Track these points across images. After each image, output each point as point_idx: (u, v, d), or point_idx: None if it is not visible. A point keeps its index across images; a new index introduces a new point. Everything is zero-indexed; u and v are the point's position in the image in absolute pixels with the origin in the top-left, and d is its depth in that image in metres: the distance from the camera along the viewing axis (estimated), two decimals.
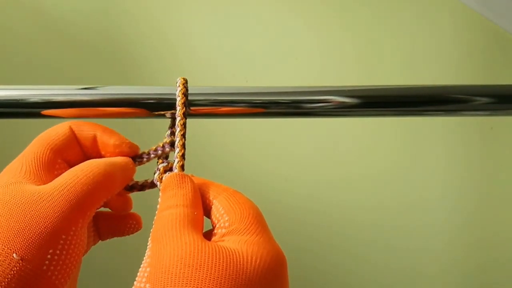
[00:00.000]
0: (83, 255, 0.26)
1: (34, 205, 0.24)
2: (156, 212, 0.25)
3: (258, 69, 0.87)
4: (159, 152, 0.31)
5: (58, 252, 0.23)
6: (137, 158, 0.31)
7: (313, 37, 0.87)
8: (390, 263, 0.93)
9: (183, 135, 0.31)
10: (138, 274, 0.22)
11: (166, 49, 0.86)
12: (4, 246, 0.22)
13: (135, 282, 0.21)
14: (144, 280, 0.21)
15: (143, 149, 0.32)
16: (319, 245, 0.93)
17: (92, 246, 0.31)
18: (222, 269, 0.20)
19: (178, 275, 0.20)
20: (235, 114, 0.34)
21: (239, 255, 0.21)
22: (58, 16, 0.85)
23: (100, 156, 0.30)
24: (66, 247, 0.23)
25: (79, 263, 0.25)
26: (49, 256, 0.23)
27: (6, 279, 0.21)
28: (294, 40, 0.86)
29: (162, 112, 0.33)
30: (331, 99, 0.34)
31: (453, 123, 0.88)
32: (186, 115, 0.32)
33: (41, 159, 0.27)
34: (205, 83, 0.86)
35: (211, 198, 0.26)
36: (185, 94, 0.32)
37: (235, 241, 0.23)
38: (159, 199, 0.26)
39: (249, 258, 0.21)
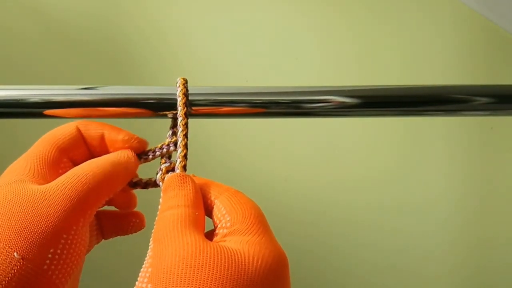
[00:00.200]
0: (86, 254, 0.26)
1: (35, 204, 0.24)
2: (158, 212, 0.25)
3: (258, 69, 0.87)
4: (164, 150, 0.31)
5: (59, 251, 0.23)
6: (143, 155, 0.31)
7: (313, 37, 0.87)
8: (390, 264, 0.93)
9: (185, 135, 0.31)
10: (140, 274, 0.22)
11: (166, 49, 0.86)
12: (5, 245, 0.22)
13: (136, 283, 0.21)
14: (145, 280, 0.21)
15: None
16: (319, 246, 0.93)
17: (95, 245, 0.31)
18: (224, 270, 0.20)
19: (179, 275, 0.20)
20: (235, 114, 0.34)
21: (241, 255, 0.21)
22: (58, 16, 0.85)
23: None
24: (67, 246, 0.23)
25: (80, 262, 0.25)
26: (50, 256, 0.23)
27: (7, 278, 0.21)
28: (294, 40, 0.86)
29: (164, 112, 0.33)
30: (331, 99, 0.34)
31: (453, 123, 0.88)
32: (187, 115, 0.32)
33: (46, 158, 0.27)
34: (205, 83, 0.86)
35: (212, 198, 0.26)
36: (186, 94, 0.32)
37: (237, 241, 0.23)
38: (161, 200, 0.26)
39: (251, 258, 0.21)
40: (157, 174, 0.30)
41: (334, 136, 0.89)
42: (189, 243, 0.21)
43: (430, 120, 0.88)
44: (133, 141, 0.30)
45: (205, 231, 0.25)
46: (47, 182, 0.26)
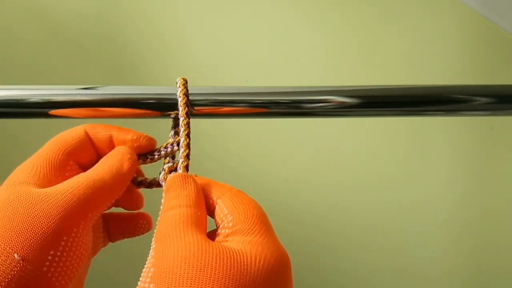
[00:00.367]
0: (92, 257, 0.26)
1: (36, 206, 0.24)
2: (160, 212, 0.25)
3: (258, 69, 0.87)
4: (169, 149, 0.31)
5: (59, 253, 0.23)
6: (149, 155, 0.32)
7: (314, 37, 0.87)
8: (391, 266, 0.93)
9: (188, 135, 0.31)
10: (142, 274, 0.22)
11: (166, 49, 0.86)
12: (6, 246, 0.22)
13: (139, 282, 0.21)
14: (148, 280, 0.21)
15: None
16: (319, 247, 0.93)
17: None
18: (226, 270, 0.20)
19: (182, 275, 0.20)
20: (236, 114, 0.34)
21: (243, 255, 0.21)
22: (58, 17, 0.85)
23: None
24: (67, 248, 0.24)
25: (83, 265, 0.25)
26: (49, 257, 0.23)
27: (6, 279, 0.21)
28: (294, 40, 0.86)
29: (167, 113, 0.33)
30: (331, 99, 0.34)
31: (454, 124, 0.88)
32: (189, 115, 0.32)
33: (53, 161, 0.28)
34: (205, 83, 0.86)
35: (214, 198, 0.26)
36: (186, 94, 0.32)
37: (239, 241, 0.23)
38: (163, 200, 0.26)
39: (253, 258, 0.21)
40: (160, 174, 0.30)
41: (334, 137, 0.89)
42: (191, 243, 0.21)
43: (430, 121, 0.88)
44: (142, 140, 0.31)
45: (207, 231, 0.25)
46: (52, 185, 0.26)
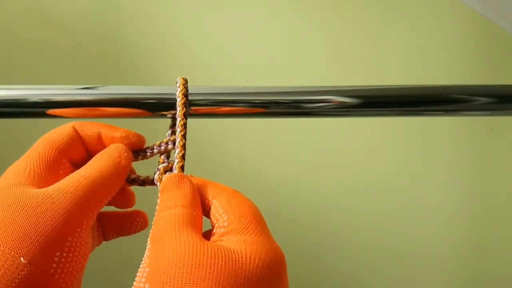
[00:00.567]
0: (88, 256, 0.26)
1: (38, 208, 0.24)
2: (155, 213, 0.25)
3: (258, 69, 0.87)
4: (162, 148, 0.31)
5: (64, 254, 0.23)
6: (141, 152, 0.31)
7: (314, 37, 0.87)
8: (390, 266, 0.93)
9: (184, 136, 0.31)
10: (137, 274, 0.22)
11: (166, 49, 0.86)
12: (11, 250, 0.22)
13: (134, 282, 0.21)
14: (143, 280, 0.21)
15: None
16: (318, 247, 0.93)
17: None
18: (221, 269, 0.20)
19: (177, 274, 0.20)
20: (235, 114, 0.34)
21: (238, 254, 0.21)
22: (58, 17, 0.85)
23: None
24: (72, 249, 0.24)
25: (84, 264, 0.25)
26: (56, 259, 0.23)
27: (14, 283, 0.21)
28: (294, 40, 0.86)
29: (163, 113, 0.33)
30: (331, 99, 0.34)
31: (454, 124, 0.88)
32: (186, 115, 0.32)
33: (46, 159, 0.27)
34: (205, 83, 0.86)
35: (210, 198, 0.26)
36: (185, 94, 0.32)
37: (234, 240, 0.23)
38: (158, 200, 0.26)
39: (248, 257, 0.21)
40: (155, 174, 0.30)
41: (334, 137, 0.89)
42: (186, 243, 0.21)
43: (430, 121, 0.87)
44: (132, 137, 0.30)
45: (203, 231, 0.25)
46: (47, 184, 0.26)
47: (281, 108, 0.34)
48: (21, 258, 0.22)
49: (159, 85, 0.34)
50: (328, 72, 0.87)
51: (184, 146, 0.31)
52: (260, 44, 0.87)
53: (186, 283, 0.20)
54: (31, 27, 0.84)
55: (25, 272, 0.22)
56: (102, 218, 0.31)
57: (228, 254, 0.21)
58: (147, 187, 0.31)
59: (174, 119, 0.33)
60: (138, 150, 0.31)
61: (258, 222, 0.24)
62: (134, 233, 0.32)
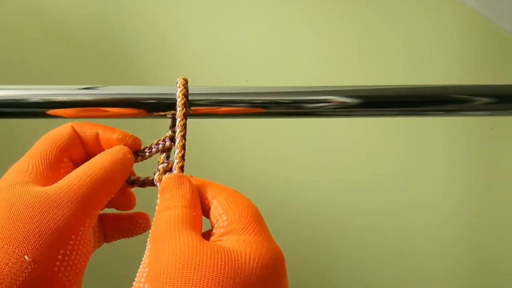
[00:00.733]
0: (90, 255, 0.26)
1: (41, 207, 0.24)
2: (155, 213, 0.25)
3: (258, 69, 0.87)
4: (160, 146, 0.31)
5: (68, 252, 0.23)
6: (140, 153, 0.31)
7: (313, 37, 0.87)
8: (390, 266, 0.93)
9: (183, 136, 0.31)
10: (137, 274, 0.22)
11: (166, 49, 0.86)
12: (15, 248, 0.22)
13: (134, 283, 0.21)
14: (143, 280, 0.21)
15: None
16: (319, 247, 0.93)
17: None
18: (221, 269, 0.20)
19: (176, 275, 0.20)
20: (235, 114, 0.34)
21: (237, 254, 0.21)
22: (58, 16, 0.85)
23: None
24: (75, 247, 0.24)
25: (87, 262, 0.25)
26: (60, 257, 0.23)
27: (18, 281, 0.21)
28: (294, 40, 0.86)
29: (163, 113, 0.33)
30: (331, 99, 0.34)
31: (453, 124, 0.88)
32: (186, 116, 0.32)
33: (47, 158, 0.28)
34: (205, 83, 0.86)
35: (210, 198, 0.26)
36: (185, 94, 0.32)
37: (233, 240, 0.23)
38: (158, 201, 0.26)
39: (248, 257, 0.21)
40: (154, 174, 0.30)
41: (334, 137, 0.89)
42: (186, 243, 0.21)
43: (430, 121, 0.87)
44: (128, 139, 0.31)
45: (203, 232, 0.25)
46: (49, 183, 0.26)
47: (281, 108, 0.34)
48: (25, 256, 0.22)
49: (159, 85, 0.34)
50: (328, 72, 0.87)
51: (183, 147, 0.31)
52: (260, 44, 0.87)
53: (186, 283, 0.20)
54: (31, 27, 0.84)
55: (29, 270, 0.22)
56: (104, 220, 0.31)
57: (228, 254, 0.21)
58: (147, 188, 0.31)
59: (174, 119, 0.33)
60: (137, 151, 0.31)
61: (258, 222, 0.24)
62: (137, 235, 0.32)
